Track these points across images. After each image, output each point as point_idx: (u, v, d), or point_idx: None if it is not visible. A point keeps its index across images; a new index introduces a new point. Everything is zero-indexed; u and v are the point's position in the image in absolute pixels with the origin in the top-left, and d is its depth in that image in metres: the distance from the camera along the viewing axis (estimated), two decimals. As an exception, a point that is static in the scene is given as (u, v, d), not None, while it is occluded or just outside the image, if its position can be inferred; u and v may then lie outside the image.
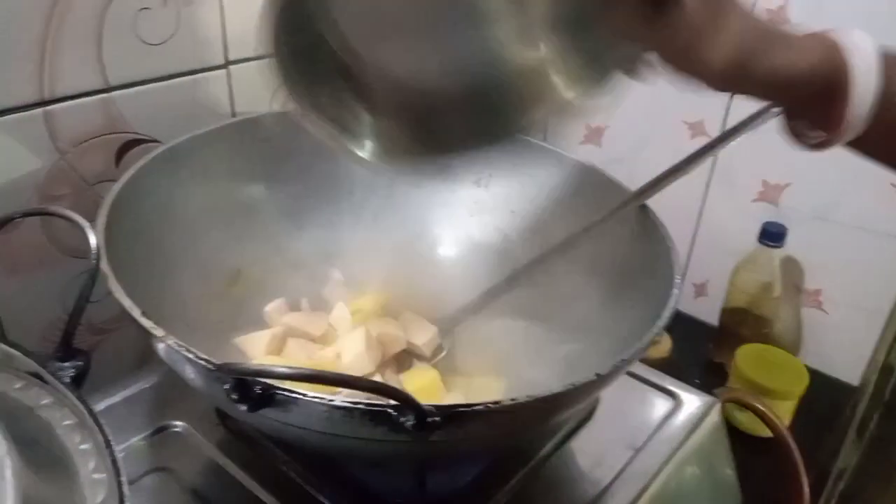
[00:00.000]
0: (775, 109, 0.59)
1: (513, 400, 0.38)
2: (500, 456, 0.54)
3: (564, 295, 0.58)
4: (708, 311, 0.96)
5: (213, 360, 0.36)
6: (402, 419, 0.36)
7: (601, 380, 0.41)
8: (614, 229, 0.57)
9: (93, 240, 0.41)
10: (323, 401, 0.36)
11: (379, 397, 0.35)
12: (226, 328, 0.59)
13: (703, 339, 0.95)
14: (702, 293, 1.00)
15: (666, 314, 0.46)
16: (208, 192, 0.61)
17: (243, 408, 0.36)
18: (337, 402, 0.36)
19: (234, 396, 0.35)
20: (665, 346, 0.92)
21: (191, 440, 0.55)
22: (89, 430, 0.36)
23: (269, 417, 0.38)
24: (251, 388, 0.35)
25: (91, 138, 0.60)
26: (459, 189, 0.70)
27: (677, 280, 0.49)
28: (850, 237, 0.86)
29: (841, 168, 0.84)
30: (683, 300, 1.01)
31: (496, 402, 0.37)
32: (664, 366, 0.84)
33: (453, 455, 0.48)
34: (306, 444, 0.45)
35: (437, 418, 0.36)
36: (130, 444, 0.54)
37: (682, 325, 0.98)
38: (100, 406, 0.57)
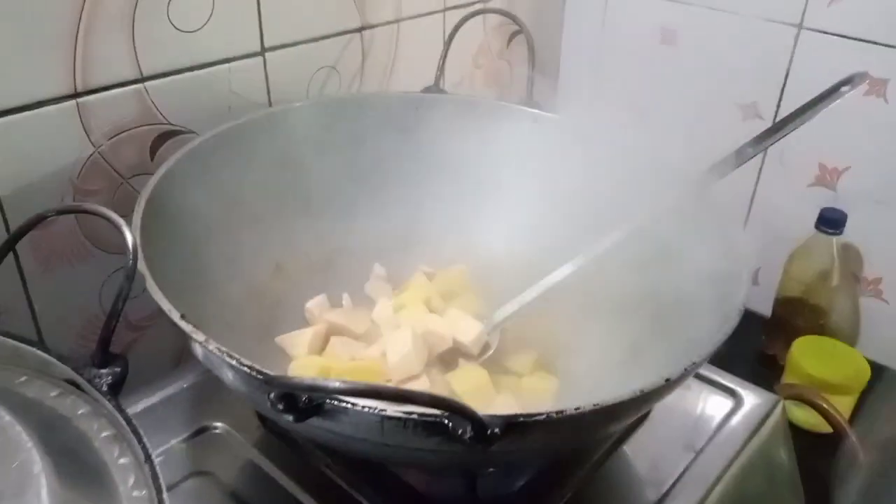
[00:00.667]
0: (844, 88, 0.55)
1: (577, 409, 0.35)
2: (551, 461, 0.51)
3: (621, 291, 0.55)
4: (760, 301, 0.92)
5: (262, 370, 0.34)
6: (459, 430, 0.33)
7: (670, 385, 0.38)
8: (678, 222, 0.53)
9: (129, 238, 0.39)
10: (375, 411, 0.34)
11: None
12: (266, 326, 0.57)
13: (755, 330, 0.91)
14: (754, 282, 0.95)
15: (735, 313, 0.43)
16: (246, 184, 0.59)
17: (289, 418, 0.34)
18: (390, 413, 0.34)
19: (280, 407, 0.33)
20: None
21: (231, 442, 0.54)
22: (128, 443, 0.34)
23: (316, 427, 0.36)
24: (298, 398, 0.33)
25: (125, 131, 0.59)
26: (505, 176, 0.66)
27: (746, 277, 0.46)
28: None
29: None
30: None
31: (560, 412, 0.35)
32: (714, 358, 0.81)
33: (508, 463, 0.45)
34: (354, 451, 0.43)
35: (496, 430, 0.33)
36: (170, 446, 0.53)
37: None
38: (138, 407, 0.55)
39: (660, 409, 0.57)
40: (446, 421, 0.33)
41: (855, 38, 0.79)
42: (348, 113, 0.65)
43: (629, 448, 0.54)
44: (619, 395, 0.36)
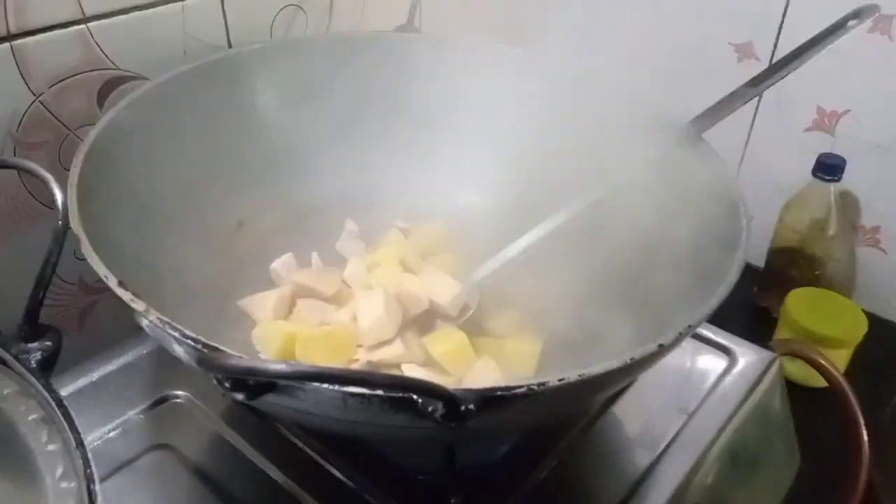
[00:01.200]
0: (852, 22, 0.51)
1: (561, 380, 0.32)
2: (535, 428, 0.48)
3: (608, 246, 0.51)
4: (753, 252, 0.88)
5: (198, 346, 0.30)
6: (429, 408, 0.29)
7: (663, 350, 0.35)
8: (665, 174, 0.49)
9: (59, 196, 0.35)
10: (335, 387, 0.30)
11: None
12: (230, 289, 0.53)
13: (747, 281, 0.87)
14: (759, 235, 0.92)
15: (734, 272, 0.40)
16: (203, 134, 0.55)
17: (239, 396, 0.30)
18: (351, 390, 0.30)
19: (227, 385, 0.29)
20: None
21: (194, 412, 0.50)
22: (58, 427, 0.30)
23: (273, 403, 0.32)
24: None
25: (68, 77, 0.54)
26: (487, 124, 0.62)
27: (744, 235, 0.42)
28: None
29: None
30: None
31: (542, 384, 0.31)
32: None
33: (487, 436, 0.42)
34: (319, 427, 0.40)
35: (471, 406, 0.30)
36: (128, 418, 0.49)
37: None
38: (94, 376, 0.52)
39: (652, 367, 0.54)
40: (416, 397, 0.30)
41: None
42: (314, 55, 0.60)
43: (619, 410, 0.51)
44: (608, 363, 0.32)
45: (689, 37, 0.86)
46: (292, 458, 0.47)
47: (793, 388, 0.74)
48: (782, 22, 0.80)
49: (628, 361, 0.33)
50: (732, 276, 0.40)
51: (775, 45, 0.81)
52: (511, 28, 0.64)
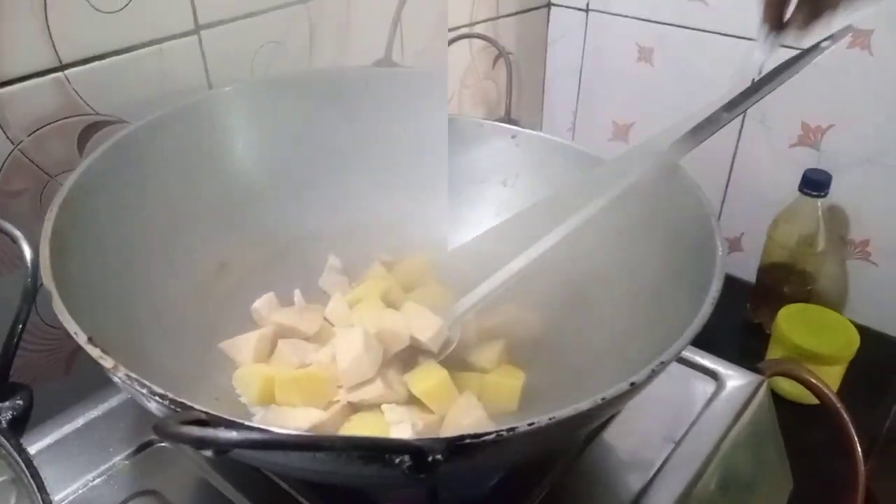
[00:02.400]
0: (825, 43, 0.51)
1: (531, 424, 0.31)
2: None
3: (589, 282, 0.51)
4: (744, 268, 0.89)
5: (165, 402, 0.30)
6: (396, 460, 0.29)
7: (636, 388, 0.34)
8: (640, 207, 0.49)
9: (29, 254, 0.35)
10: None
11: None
12: (214, 330, 0.53)
13: (739, 298, 0.88)
14: (736, 248, 0.92)
15: (707, 306, 0.40)
16: (183, 176, 0.55)
17: (207, 453, 0.30)
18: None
19: (194, 445, 0.29)
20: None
21: (178, 457, 0.50)
22: (27, 489, 0.30)
23: (245, 457, 0.32)
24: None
25: (47, 124, 0.54)
26: (486, 189, 0.63)
27: (719, 266, 0.42)
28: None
29: (890, 105, 0.75)
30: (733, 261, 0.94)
31: (511, 429, 0.31)
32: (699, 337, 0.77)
33: (463, 479, 0.42)
34: (298, 477, 0.39)
35: (438, 456, 0.29)
36: (113, 464, 0.49)
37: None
38: (78, 423, 0.52)
39: (640, 395, 0.54)
40: (384, 455, 0.30)
41: None
42: (293, 92, 0.60)
43: (608, 438, 0.51)
44: (578, 406, 0.32)
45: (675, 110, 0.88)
46: (276, 501, 0.47)
47: (787, 406, 0.74)
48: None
49: (599, 402, 0.33)
50: (705, 311, 0.39)
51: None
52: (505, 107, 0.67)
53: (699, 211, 0.48)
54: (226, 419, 0.26)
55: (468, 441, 0.31)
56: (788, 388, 0.74)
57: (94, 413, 0.53)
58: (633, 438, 0.51)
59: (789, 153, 0.83)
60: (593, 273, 0.53)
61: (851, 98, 0.77)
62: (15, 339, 0.33)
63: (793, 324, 0.74)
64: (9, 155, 0.52)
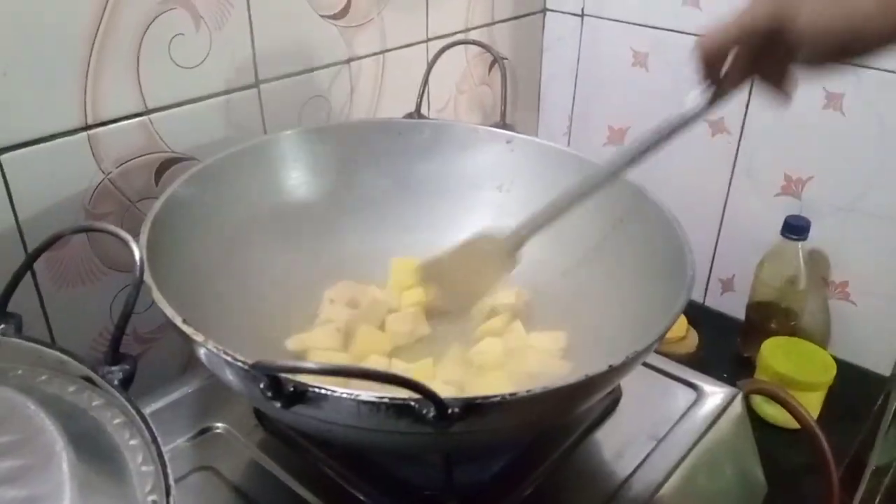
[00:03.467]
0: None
1: (528, 391, 0.40)
2: (524, 448, 0.56)
3: (580, 295, 0.60)
4: (736, 307, 0.97)
5: (248, 361, 0.39)
6: (423, 411, 0.38)
7: (614, 371, 0.43)
8: (628, 227, 0.58)
9: (136, 253, 0.44)
10: (351, 396, 0.39)
11: (403, 392, 0.38)
12: (275, 335, 0.62)
13: (731, 334, 0.96)
14: (729, 288, 1.01)
15: (678, 305, 0.48)
16: (244, 205, 0.65)
17: (277, 405, 0.39)
18: (364, 398, 0.39)
19: (269, 394, 0.38)
20: (692, 341, 0.93)
21: (232, 440, 0.58)
22: (137, 428, 0.39)
23: (302, 414, 0.41)
24: (284, 386, 0.38)
25: (132, 159, 0.64)
26: (482, 194, 0.72)
27: (690, 272, 0.51)
28: (877, 227, 0.86)
29: (864, 159, 0.84)
30: (711, 296, 1.02)
31: (513, 394, 0.40)
32: (692, 361, 0.85)
33: (476, 445, 0.50)
34: (337, 438, 0.48)
35: (456, 409, 0.38)
36: (176, 445, 0.58)
37: (710, 321, 0.99)
38: (146, 410, 0.59)
39: (627, 402, 0.62)
40: (413, 404, 0.38)
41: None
42: (335, 138, 0.70)
43: (598, 437, 0.59)
44: (567, 379, 0.41)
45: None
46: (315, 477, 0.55)
47: (771, 429, 0.81)
48: (748, 100, 0.90)
49: (584, 378, 0.41)
50: (677, 308, 0.48)
51: (744, 120, 0.91)
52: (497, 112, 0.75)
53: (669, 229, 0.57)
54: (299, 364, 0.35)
55: (479, 402, 0.39)
56: (771, 412, 0.81)
57: (158, 404, 0.62)
58: (620, 437, 0.59)
59: (774, 202, 0.92)
60: (580, 294, 0.62)
61: (828, 153, 0.87)
62: (127, 316, 0.43)
63: (775, 353, 0.82)
64: (100, 183, 0.63)
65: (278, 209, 0.67)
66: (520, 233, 0.60)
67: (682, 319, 0.93)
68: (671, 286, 0.51)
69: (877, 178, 0.84)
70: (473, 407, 0.39)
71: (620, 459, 0.57)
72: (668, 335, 0.88)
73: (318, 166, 0.70)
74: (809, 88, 0.85)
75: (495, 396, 0.40)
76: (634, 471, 0.56)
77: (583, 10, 1.02)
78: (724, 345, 0.95)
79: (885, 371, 0.90)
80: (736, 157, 0.93)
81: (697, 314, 0.97)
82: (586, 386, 0.42)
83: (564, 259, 0.64)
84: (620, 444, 0.58)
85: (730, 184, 0.95)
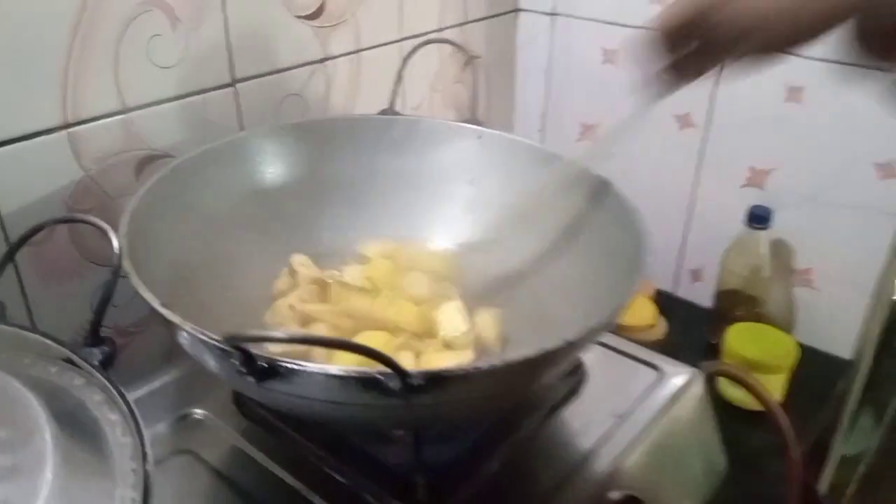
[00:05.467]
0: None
1: (490, 364, 0.42)
2: (491, 428, 0.58)
3: (545, 283, 0.63)
4: (705, 296, 1.00)
5: (220, 335, 0.41)
6: (389, 383, 0.40)
7: (571, 346, 0.45)
8: (592, 218, 0.61)
9: (115, 241, 0.46)
10: (319, 370, 0.41)
11: (370, 365, 0.40)
12: (254, 324, 0.63)
13: (700, 322, 0.99)
14: (698, 278, 1.04)
15: (634, 284, 0.51)
16: (221, 199, 0.66)
17: (251, 380, 0.41)
18: (332, 371, 0.41)
19: (243, 370, 0.40)
20: (661, 329, 0.96)
21: (211, 425, 0.61)
22: (117, 405, 0.41)
23: (275, 389, 0.43)
24: (256, 361, 0.41)
25: (112, 156, 0.66)
26: (454, 188, 0.74)
27: (647, 257, 0.53)
28: (839, 216, 0.89)
29: (825, 150, 0.87)
30: (683, 286, 1.05)
31: (476, 367, 0.42)
32: (661, 348, 0.88)
33: (442, 418, 0.52)
34: (310, 414, 0.50)
35: (420, 381, 0.40)
36: (156, 429, 0.60)
37: (680, 310, 1.02)
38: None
39: (591, 383, 0.64)
40: (379, 376, 0.41)
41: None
42: (312, 136, 0.72)
43: (563, 416, 0.62)
44: (526, 353, 0.43)
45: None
46: (292, 459, 0.57)
47: (736, 411, 0.84)
48: (714, 93, 0.93)
49: (542, 352, 0.44)
50: (632, 287, 0.50)
51: (710, 113, 0.94)
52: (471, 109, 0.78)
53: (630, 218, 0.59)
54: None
55: (442, 373, 0.42)
56: (737, 395, 0.84)
57: (139, 392, 0.64)
58: (584, 415, 0.61)
59: (740, 192, 0.95)
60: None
61: (790, 145, 0.90)
62: (107, 301, 0.45)
63: (739, 338, 0.85)
64: (80, 180, 0.65)
65: (255, 203, 0.68)
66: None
67: (652, 308, 0.95)
68: (630, 270, 0.54)
69: (839, 168, 0.87)
70: (437, 379, 0.42)
71: (584, 436, 0.59)
72: (637, 323, 0.92)
73: (293, 161, 0.72)
74: (772, 81, 0.88)
75: (458, 369, 0.42)
76: (597, 447, 0.58)
77: (554, 9, 1.04)
78: (694, 332, 0.98)
79: (847, 355, 0.93)
80: (702, 151, 0.97)
81: (668, 304, 1.00)
82: (544, 359, 0.45)
83: (530, 249, 0.66)
84: (584, 422, 0.60)
85: (696, 177, 0.98)
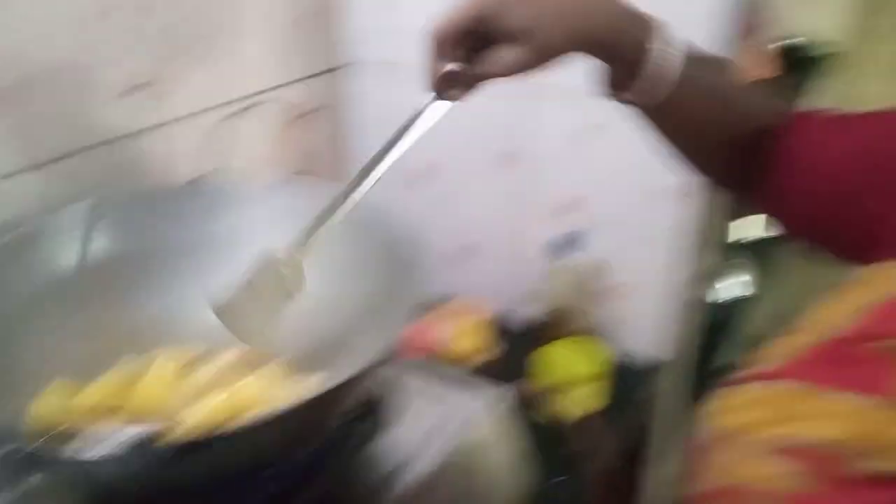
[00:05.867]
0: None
1: (243, 425, 0.46)
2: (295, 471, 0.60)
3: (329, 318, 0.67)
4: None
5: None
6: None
7: (341, 388, 0.50)
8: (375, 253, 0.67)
9: None
10: (73, 456, 0.44)
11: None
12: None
13: (531, 342, 1.05)
14: (536, 299, 1.10)
15: (399, 327, 0.56)
16: (24, 285, 0.66)
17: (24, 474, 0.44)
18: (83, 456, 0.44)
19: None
20: (490, 352, 1.01)
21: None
22: None
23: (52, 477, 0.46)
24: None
25: None
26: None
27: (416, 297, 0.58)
28: (646, 235, 0.97)
29: (628, 181, 0.96)
30: (520, 308, 1.11)
31: (230, 432, 0.46)
32: (492, 369, 0.94)
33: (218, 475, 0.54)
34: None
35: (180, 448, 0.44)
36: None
37: (514, 333, 1.08)
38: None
39: (401, 402, 0.68)
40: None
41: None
42: (119, 208, 0.73)
43: (369, 450, 0.65)
44: (272, 412, 0.47)
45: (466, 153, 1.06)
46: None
47: (553, 424, 0.89)
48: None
49: (279, 413, 0.47)
50: (395, 332, 0.56)
51: (525, 148, 1.01)
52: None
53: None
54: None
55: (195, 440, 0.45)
56: (555, 408, 0.90)
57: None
58: (391, 437, 0.66)
59: (557, 220, 1.02)
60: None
61: (597, 175, 0.98)
62: None
63: (555, 354, 0.92)
64: None
65: (62, 284, 0.69)
66: (298, 250, 0.63)
67: (483, 333, 1.01)
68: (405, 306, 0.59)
69: (638, 196, 0.95)
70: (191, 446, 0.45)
71: (388, 457, 0.64)
72: (465, 348, 0.96)
73: (102, 238, 0.72)
74: (574, 114, 0.95)
75: (201, 437, 0.46)
76: (400, 467, 0.63)
77: (387, 59, 1.07)
78: (523, 353, 1.04)
79: (659, 358, 1.02)
80: (521, 185, 1.03)
81: (506, 326, 1.07)
82: (294, 415, 0.48)
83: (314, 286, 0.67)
84: (390, 444, 0.65)
85: (515, 207, 1.05)
